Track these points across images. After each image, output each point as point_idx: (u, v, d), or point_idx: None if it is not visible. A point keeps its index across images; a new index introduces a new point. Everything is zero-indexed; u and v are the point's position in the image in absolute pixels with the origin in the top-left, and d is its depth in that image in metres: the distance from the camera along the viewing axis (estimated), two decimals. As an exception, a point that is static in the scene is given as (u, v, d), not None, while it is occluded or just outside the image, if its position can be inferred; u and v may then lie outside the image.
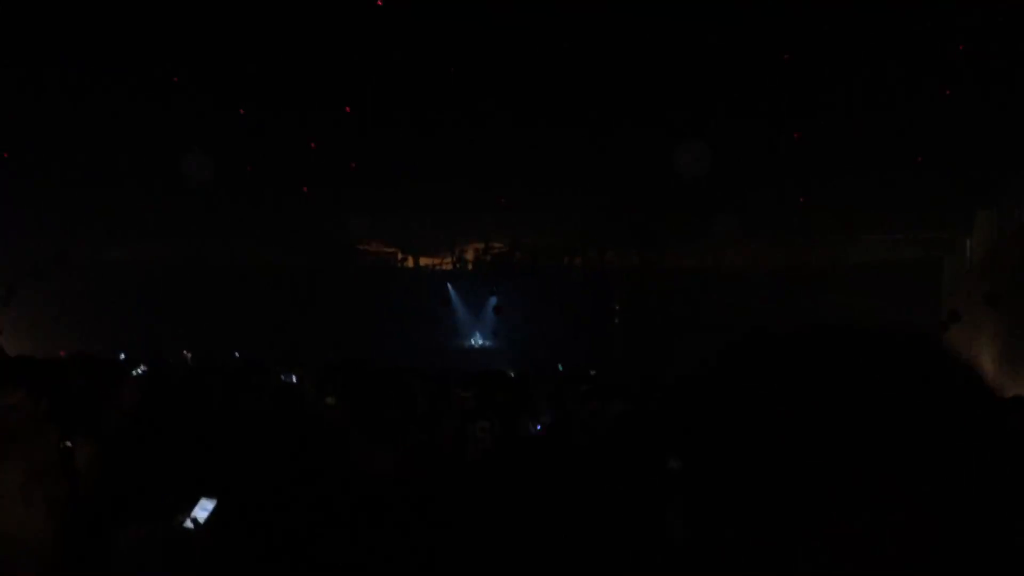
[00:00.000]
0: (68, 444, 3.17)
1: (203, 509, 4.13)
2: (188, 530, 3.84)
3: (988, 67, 9.48)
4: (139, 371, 7.34)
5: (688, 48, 9.53)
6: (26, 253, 17.42)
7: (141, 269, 20.66)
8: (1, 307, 16.57)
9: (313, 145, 13.06)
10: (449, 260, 22.98)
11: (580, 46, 9.55)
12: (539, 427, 5.43)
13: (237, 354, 14.53)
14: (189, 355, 14.51)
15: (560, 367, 12.39)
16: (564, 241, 21.10)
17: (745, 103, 10.88)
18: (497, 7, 8.88)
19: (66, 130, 12.10)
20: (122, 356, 10.77)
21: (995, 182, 13.18)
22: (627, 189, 14.56)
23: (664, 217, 16.34)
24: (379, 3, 9.13)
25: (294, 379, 10.19)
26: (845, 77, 10.11)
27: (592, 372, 9.66)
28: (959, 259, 17.43)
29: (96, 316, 18.43)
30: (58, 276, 17.85)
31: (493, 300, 21.58)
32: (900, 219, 16.53)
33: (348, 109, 11.82)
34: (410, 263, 23.09)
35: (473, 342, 22.57)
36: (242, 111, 11.78)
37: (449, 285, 22.69)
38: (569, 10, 8.90)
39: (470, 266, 22.74)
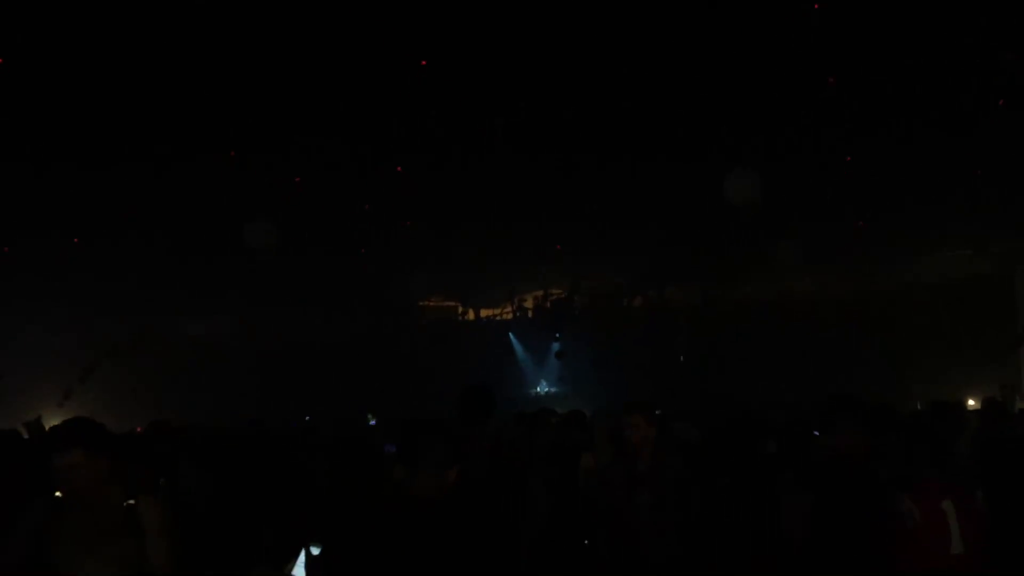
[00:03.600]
0: (131, 503, 3.32)
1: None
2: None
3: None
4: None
5: (733, 76, 9.53)
6: (103, 332, 18.03)
7: (216, 343, 21.21)
8: (80, 386, 17.12)
9: (368, 207, 13.33)
10: (509, 310, 23.06)
11: (627, 83, 9.62)
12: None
13: (308, 417, 14.75)
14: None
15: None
16: (624, 282, 21.02)
17: (797, 127, 10.81)
18: (538, 55, 9.01)
19: (133, 205, 12.57)
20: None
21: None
22: (684, 225, 14.51)
23: (724, 251, 16.20)
24: (423, 63, 9.35)
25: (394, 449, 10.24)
26: (894, 95, 10.00)
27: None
28: (1031, 271, 16.94)
29: (173, 390, 18.93)
30: (135, 353, 18.41)
31: (555, 346, 21.57)
32: (965, 235, 16.13)
33: (399, 168, 12.04)
34: (471, 316, 23.22)
35: (539, 389, 22.52)
36: (297, 179, 12.09)
37: (511, 335, 22.75)
38: (612, 49, 8.98)
39: (530, 314, 22.79)
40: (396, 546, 2.75)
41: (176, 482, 4.90)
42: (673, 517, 4.64)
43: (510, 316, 23.21)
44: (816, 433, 5.07)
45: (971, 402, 13.90)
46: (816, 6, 8.33)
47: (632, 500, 4.72)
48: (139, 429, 9.41)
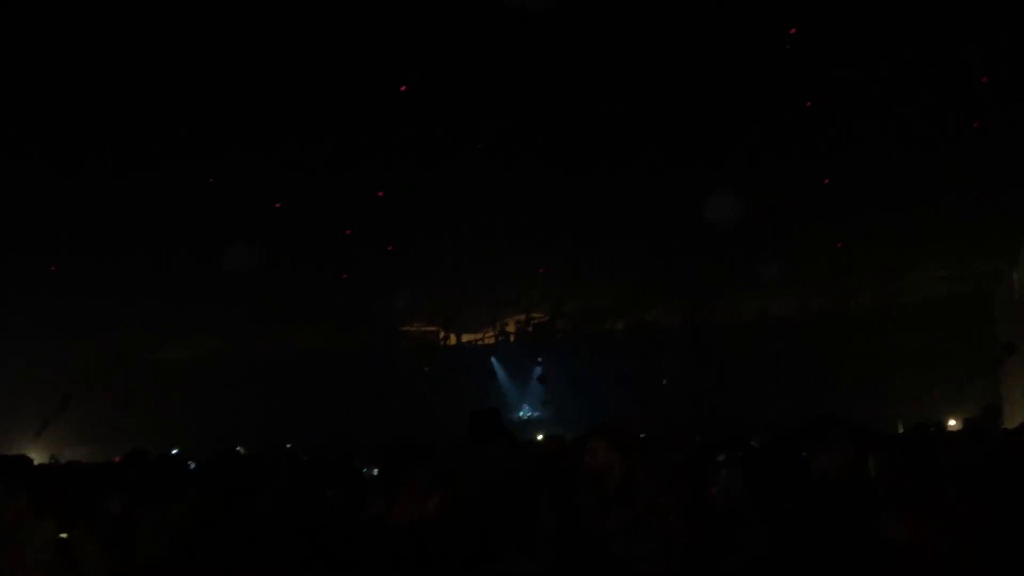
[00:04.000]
0: (63, 536, 3.26)
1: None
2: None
3: (1016, 94, 9.42)
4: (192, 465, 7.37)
5: (716, 98, 9.60)
6: (80, 361, 17.81)
7: (195, 366, 21.03)
8: (59, 414, 16.88)
9: (349, 232, 13.28)
10: (491, 334, 22.99)
11: (612, 103, 9.66)
12: None
13: (289, 445, 14.59)
14: (242, 450, 14.57)
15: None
16: (606, 304, 21.02)
17: (775, 148, 10.88)
18: (521, 74, 9.04)
19: (109, 232, 12.46)
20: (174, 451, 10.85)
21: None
22: (665, 246, 14.54)
23: (705, 271, 16.26)
24: (402, 88, 9.36)
25: (375, 472, 10.17)
26: (876, 115, 10.10)
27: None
28: (1008, 290, 17.09)
29: (153, 415, 18.72)
30: (113, 380, 18.18)
31: (538, 370, 21.50)
32: (944, 255, 16.28)
33: (380, 193, 12.02)
34: (453, 340, 23.13)
35: (522, 414, 22.40)
36: (278, 204, 12.04)
37: (494, 359, 22.66)
38: (597, 68, 9.02)
39: (512, 338, 22.71)
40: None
41: (145, 514, 4.80)
42: (648, 544, 4.36)
43: (492, 341, 23.14)
44: (804, 453, 5.04)
45: (952, 422, 13.95)
46: (792, 31, 8.43)
47: (603, 527, 4.47)
48: (116, 459, 9.25)
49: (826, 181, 11.79)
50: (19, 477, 3.44)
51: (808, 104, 9.71)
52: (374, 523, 2.86)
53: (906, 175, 11.59)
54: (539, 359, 21.54)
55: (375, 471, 8.85)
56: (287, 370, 20.45)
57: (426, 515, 2.84)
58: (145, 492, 5.05)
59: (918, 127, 10.27)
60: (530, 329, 22.02)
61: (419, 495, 2.84)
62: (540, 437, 12.93)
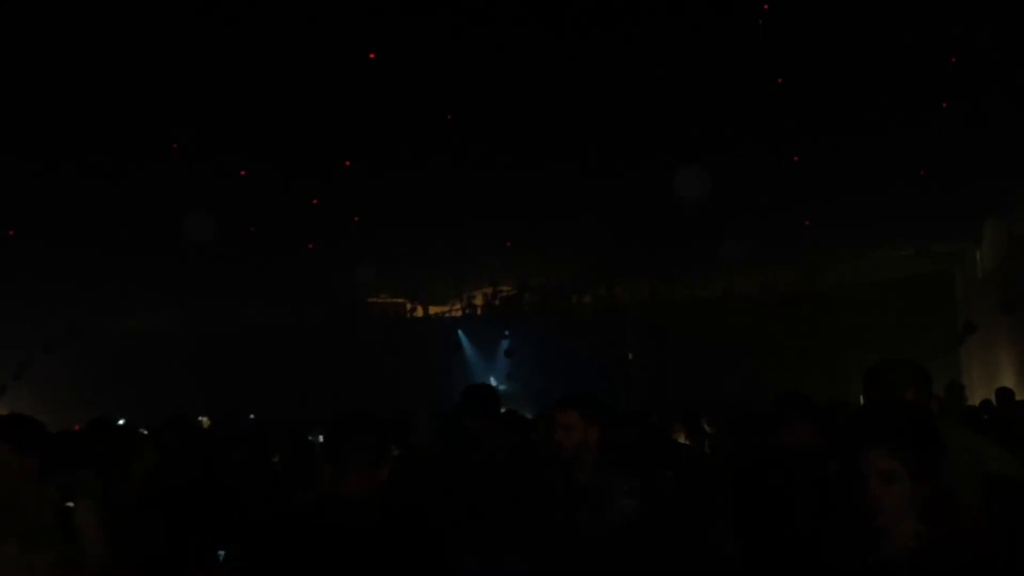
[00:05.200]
0: (69, 505, 3.09)
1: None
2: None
3: (985, 76, 9.48)
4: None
5: (682, 75, 9.56)
6: (37, 327, 17.51)
7: (152, 337, 20.79)
8: (14, 381, 16.60)
9: (315, 201, 13.11)
10: (458, 307, 22.96)
11: (575, 79, 9.60)
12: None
13: (252, 416, 14.48)
14: (205, 420, 14.43)
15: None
16: (573, 279, 21.05)
17: (744, 127, 10.89)
18: (486, 48, 8.95)
19: (68, 202, 12.21)
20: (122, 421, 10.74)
21: (1001, 191, 13.13)
22: (632, 222, 14.54)
23: (671, 248, 16.30)
24: (371, 56, 9.22)
25: (320, 439, 10.13)
26: (840, 96, 10.12)
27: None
28: (970, 270, 17.33)
29: (110, 386, 18.49)
30: (70, 348, 17.91)
31: (505, 344, 21.53)
32: (907, 234, 16.45)
33: (348, 163, 11.86)
34: (419, 312, 23.08)
35: (488, 387, 22.43)
36: (243, 172, 11.85)
37: (460, 332, 22.65)
38: (562, 44, 8.96)
39: (479, 311, 22.71)
40: (321, 550, 2.62)
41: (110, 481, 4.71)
42: (622, 540, 3.63)
43: (459, 313, 23.11)
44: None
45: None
46: (766, 6, 8.40)
47: (573, 518, 3.71)
48: (77, 427, 9.10)
49: (795, 158, 11.82)
50: (32, 440, 3.31)
51: (779, 81, 9.69)
52: (325, 496, 2.79)
53: (870, 156, 11.66)
54: (505, 332, 21.57)
55: (320, 438, 8.80)
56: (249, 343, 20.29)
57: (376, 488, 2.78)
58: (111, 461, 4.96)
59: (884, 107, 10.31)
60: (497, 303, 22.02)
61: (366, 467, 2.77)
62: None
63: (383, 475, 2.80)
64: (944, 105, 10.22)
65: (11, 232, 13.70)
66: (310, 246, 15.76)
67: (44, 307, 17.04)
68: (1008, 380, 13.22)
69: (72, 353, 18.09)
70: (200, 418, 14.67)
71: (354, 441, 2.79)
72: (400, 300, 22.78)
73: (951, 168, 11.91)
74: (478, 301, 22.71)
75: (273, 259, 16.21)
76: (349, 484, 2.73)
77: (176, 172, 11.41)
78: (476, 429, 4.53)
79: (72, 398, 17.31)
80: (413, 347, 20.72)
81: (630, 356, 20.74)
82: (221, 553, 4.30)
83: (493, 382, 22.43)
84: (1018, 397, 10.34)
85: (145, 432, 6.22)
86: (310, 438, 8.50)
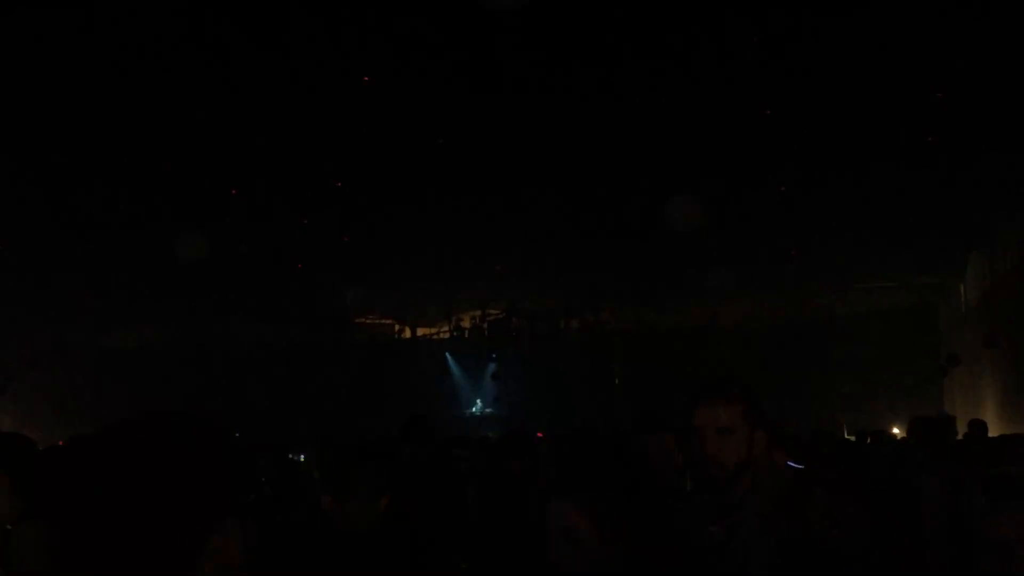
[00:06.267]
0: (8, 528, 2.88)
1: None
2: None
3: (969, 111, 9.61)
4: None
5: (672, 106, 9.66)
6: (21, 343, 17.41)
7: (139, 354, 20.67)
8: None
9: (305, 221, 13.13)
10: (446, 329, 22.95)
11: (565, 107, 9.67)
12: None
13: (237, 435, 14.39)
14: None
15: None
16: (561, 304, 21.10)
17: (733, 159, 10.99)
18: (479, 77, 9.02)
19: (56, 218, 12.18)
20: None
21: (984, 224, 13.29)
22: (621, 250, 14.62)
23: (659, 276, 16.38)
24: (365, 80, 9.28)
25: (302, 458, 10.10)
26: (827, 130, 10.23)
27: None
28: (954, 303, 17.49)
29: (94, 403, 18.35)
30: (54, 365, 17.81)
31: (492, 367, 21.53)
32: (892, 267, 16.60)
33: (339, 183, 11.90)
34: (407, 334, 23.05)
35: (474, 410, 22.42)
36: (233, 191, 11.86)
37: (448, 354, 22.64)
38: (552, 75, 9.04)
39: (467, 334, 22.71)
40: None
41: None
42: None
43: (447, 335, 23.10)
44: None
45: (895, 430, 14.24)
46: (755, 40, 8.50)
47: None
48: (61, 443, 9.06)
49: (781, 188, 11.93)
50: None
51: (767, 112, 9.80)
52: (325, 528, 2.77)
53: (857, 189, 11.78)
54: (492, 355, 21.57)
55: (301, 457, 8.76)
56: (237, 360, 20.21)
57: (376, 518, 2.76)
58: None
59: (871, 140, 10.43)
60: (485, 326, 22.02)
61: (368, 498, 2.75)
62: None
63: (383, 504, 2.76)
64: (931, 140, 10.35)
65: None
66: (299, 266, 15.76)
67: (28, 324, 16.94)
68: (990, 412, 13.32)
69: (55, 371, 18.00)
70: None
71: (356, 472, 2.77)
72: (388, 321, 22.75)
73: (936, 203, 12.05)
74: (466, 323, 22.71)
75: (261, 278, 16.18)
76: (348, 515, 2.72)
77: (164, 189, 11.41)
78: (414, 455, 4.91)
79: (54, 415, 17.19)
80: (399, 368, 20.69)
81: (616, 381, 20.76)
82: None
83: (480, 405, 22.44)
84: (1001, 429, 10.39)
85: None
86: (291, 456, 8.48)
